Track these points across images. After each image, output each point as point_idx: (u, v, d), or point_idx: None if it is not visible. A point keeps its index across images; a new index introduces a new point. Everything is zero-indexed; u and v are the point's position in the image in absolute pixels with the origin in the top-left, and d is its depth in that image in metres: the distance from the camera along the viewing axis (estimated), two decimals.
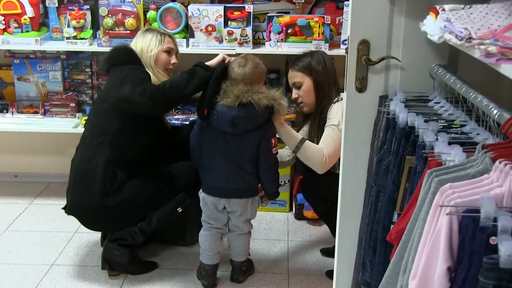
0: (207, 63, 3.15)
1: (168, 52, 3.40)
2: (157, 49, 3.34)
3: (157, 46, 3.35)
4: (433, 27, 2.05)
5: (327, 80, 3.32)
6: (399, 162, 2.10)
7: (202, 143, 3.19)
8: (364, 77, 2.46)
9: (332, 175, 3.23)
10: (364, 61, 2.42)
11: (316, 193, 3.43)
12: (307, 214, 4.05)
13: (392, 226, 2.13)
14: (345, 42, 3.88)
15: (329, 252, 3.62)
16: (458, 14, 1.89)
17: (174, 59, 3.43)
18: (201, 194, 3.25)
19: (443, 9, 1.98)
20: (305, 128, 3.47)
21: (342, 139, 2.58)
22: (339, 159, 3.24)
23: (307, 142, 3.21)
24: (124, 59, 3.29)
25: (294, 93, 3.38)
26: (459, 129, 2.06)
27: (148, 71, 3.29)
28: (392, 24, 2.41)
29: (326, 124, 3.25)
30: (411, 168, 2.01)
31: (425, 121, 2.05)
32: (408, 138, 2.05)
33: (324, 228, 3.92)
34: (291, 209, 4.23)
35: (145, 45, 3.35)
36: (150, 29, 3.46)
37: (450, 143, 1.83)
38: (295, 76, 3.37)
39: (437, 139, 1.88)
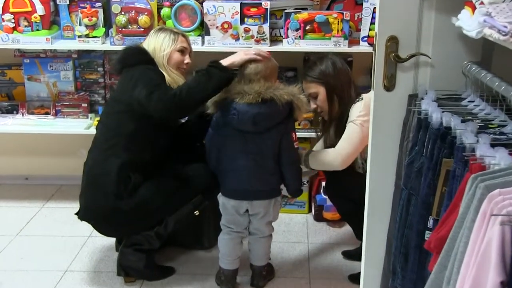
0: (224, 62, 3.04)
1: (182, 51, 3.31)
2: (170, 48, 3.26)
3: (170, 46, 3.26)
4: (469, 22, 1.94)
5: (340, 84, 3.21)
6: (434, 165, 2.00)
7: (219, 145, 3.10)
8: (392, 75, 2.36)
9: (356, 174, 3.17)
10: (392, 58, 2.32)
11: (340, 193, 3.33)
12: (327, 215, 3.94)
13: (427, 232, 2.04)
14: (364, 39, 3.81)
15: (351, 254, 3.53)
16: (499, 7, 1.78)
17: (187, 58, 3.33)
18: (221, 198, 3.16)
19: (481, 3, 1.87)
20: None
21: (369, 140, 2.47)
22: (362, 157, 3.19)
23: (311, 152, 3.21)
24: (137, 59, 3.20)
25: (313, 104, 3.27)
26: (497, 129, 1.95)
27: (161, 70, 3.21)
28: (421, 20, 2.32)
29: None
30: (449, 171, 1.91)
31: (461, 121, 1.95)
32: (444, 140, 1.95)
33: (345, 230, 3.83)
34: (310, 211, 4.12)
35: (158, 44, 3.26)
36: (163, 29, 3.38)
37: (492, 145, 1.73)
38: (309, 87, 3.26)
39: (477, 141, 1.77)
